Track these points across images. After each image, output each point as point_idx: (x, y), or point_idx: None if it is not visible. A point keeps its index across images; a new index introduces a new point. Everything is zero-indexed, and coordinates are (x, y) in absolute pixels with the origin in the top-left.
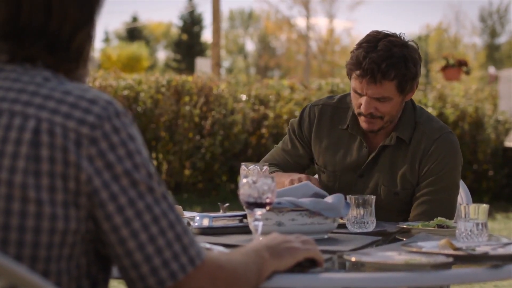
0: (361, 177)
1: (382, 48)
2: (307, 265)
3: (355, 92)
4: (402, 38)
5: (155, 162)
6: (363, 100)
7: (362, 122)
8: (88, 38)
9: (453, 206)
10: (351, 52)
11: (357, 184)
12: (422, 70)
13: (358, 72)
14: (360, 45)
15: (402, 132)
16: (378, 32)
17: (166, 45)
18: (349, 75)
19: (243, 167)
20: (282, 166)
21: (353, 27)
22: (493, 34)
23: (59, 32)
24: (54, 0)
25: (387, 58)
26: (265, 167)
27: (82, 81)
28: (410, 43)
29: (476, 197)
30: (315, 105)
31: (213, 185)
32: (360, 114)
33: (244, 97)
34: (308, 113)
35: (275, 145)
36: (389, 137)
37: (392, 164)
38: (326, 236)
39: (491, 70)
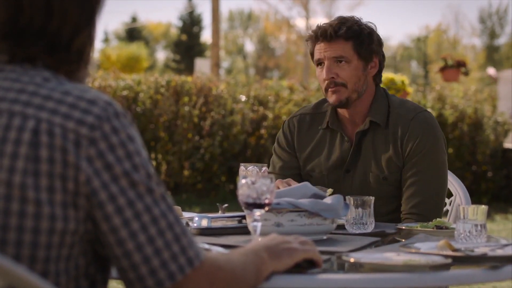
0: (347, 172)
1: (337, 18)
2: (306, 265)
3: (317, 64)
4: (359, 19)
5: (154, 163)
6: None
7: (330, 96)
8: (89, 39)
9: (443, 182)
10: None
11: (345, 180)
12: (421, 71)
13: (314, 36)
14: None
15: (375, 116)
16: None
17: (165, 45)
18: (312, 53)
19: (242, 168)
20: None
21: None
22: (493, 35)
23: (60, 33)
24: (54, 1)
25: (339, 22)
26: (264, 168)
27: (82, 83)
28: (367, 23)
29: (475, 198)
30: (293, 117)
31: (212, 185)
32: (326, 89)
33: (243, 98)
34: (288, 125)
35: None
36: (364, 123)
37: (374, 151)
38: (325, 237)
39: (491, 71)
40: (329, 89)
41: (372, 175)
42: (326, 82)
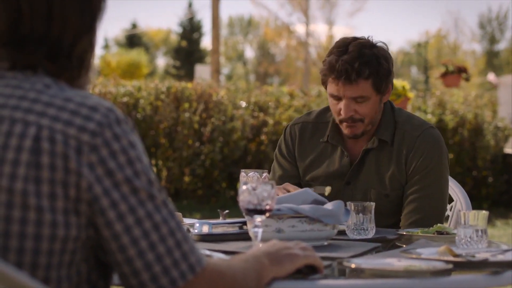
0: (348, 185)
1: (353, 50)
2: (307, 271)
3: (333, 97)
4: (371, 40)
5: (154, 169)
6: (341, 105)
7: (345, 128)
8: (90, 45)
9: (444, 199)
10: (322, 62)
11: (344, 192)
12: (422, 77)
13: (333, 75)
14: (331, 51)
15: (383, 134)
16: (346, 38)
17: (165, 51)
18: (325, 82)
19: (243, 174)
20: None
21: (353, 33)
22: (492, 40)
23: (60, 40)
24: (55, 8)
25: (359, 57)
26: (264, 174)
27: (84, 89)
28: (379, 44)
29: (476, 204)
30: (295, 124)
31: (213, 191)
32: (341, 121)
33: (243, 104)
34: (290, 132)
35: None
36: (371, 140)
37: (378, 167)
38: (325, 243)
39: (491, 77)
40: (346, 123)
41: (374, 192)
42: (343, 116)
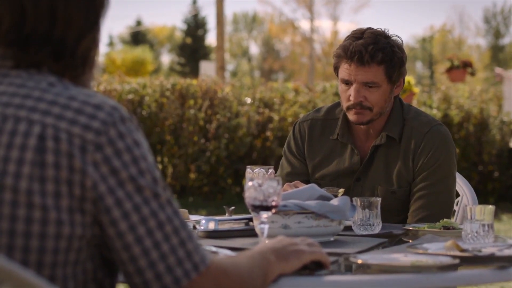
0: (358, 181)
1: (368, 36)
2: (313, 267)
3: (343, 82)
4: (386, 32)
5: (160, 166)
6: (351, 90)
7: (352, 115)
8: (94, 43)
9: (451, 197)
10: (337, 49)
11: (354, 188)
12: (427, 72)
13: (346, 57)
14: (346, 38)
15: (391, 130)
16: (361, 28)
17: (170, 48)
18: (337, 68)
19: (249, 170)
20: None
21: None
22: (497, 35)
23: (65, 39)
24: (58, 7)
25: (373, 43)
26: (270, 170)
27: (87, 86)
28: (394, 37)
29: (482, 198)
30: (304, 121)
31: (219, 188)
32: (349, 108)
33: (248, 100)
34: (299, 129)
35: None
36: (379, 136)
37: (386, 163)
38: (332, 239)
39: (498, 70)
40: (354, 109)
41: (381, 189)
42: (352, 102)
